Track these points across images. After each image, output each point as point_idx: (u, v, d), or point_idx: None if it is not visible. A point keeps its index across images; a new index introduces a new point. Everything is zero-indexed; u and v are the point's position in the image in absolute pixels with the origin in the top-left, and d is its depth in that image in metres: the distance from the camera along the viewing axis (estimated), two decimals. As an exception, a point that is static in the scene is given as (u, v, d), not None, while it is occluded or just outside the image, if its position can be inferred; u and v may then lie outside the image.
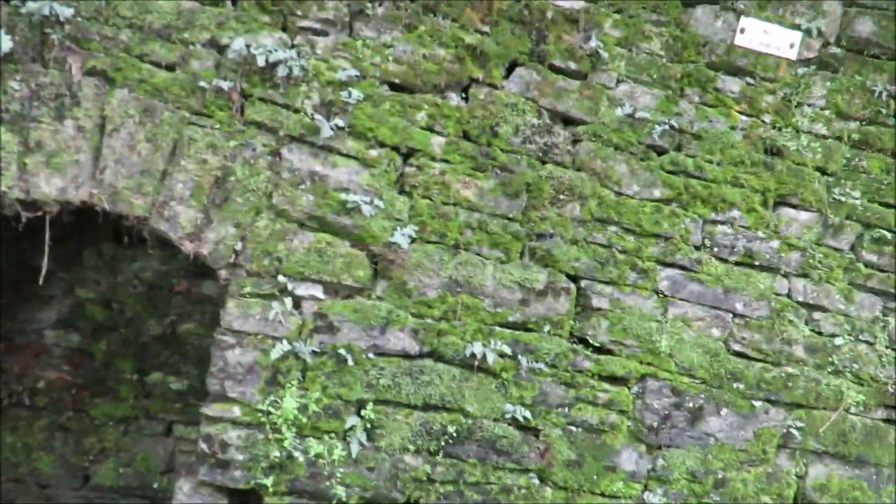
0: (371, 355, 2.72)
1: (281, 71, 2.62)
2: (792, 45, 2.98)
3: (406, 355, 2.76)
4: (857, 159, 3.06)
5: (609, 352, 2.94)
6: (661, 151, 2.98)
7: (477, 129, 2.81)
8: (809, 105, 3.03)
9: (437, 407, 2.79)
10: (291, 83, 2.66)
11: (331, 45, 2.72)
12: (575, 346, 2.91)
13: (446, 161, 2.79)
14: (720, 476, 3.01)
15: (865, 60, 3.05)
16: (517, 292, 2.84)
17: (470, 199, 2.80)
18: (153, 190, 2.56)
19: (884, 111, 3.05)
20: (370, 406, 2.72)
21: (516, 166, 2.84)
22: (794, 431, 3.05)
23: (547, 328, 2.88)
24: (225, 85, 2.56)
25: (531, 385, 2.85)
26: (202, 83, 2.55)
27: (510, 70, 2.86)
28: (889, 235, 3.08)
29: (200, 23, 2.56)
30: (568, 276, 2.91)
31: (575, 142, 2.93)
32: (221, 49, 2.59)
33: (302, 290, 2.69)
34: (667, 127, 2.94)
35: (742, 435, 3.03)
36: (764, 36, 2.97)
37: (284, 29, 2.69)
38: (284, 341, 2.64)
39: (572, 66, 2.88)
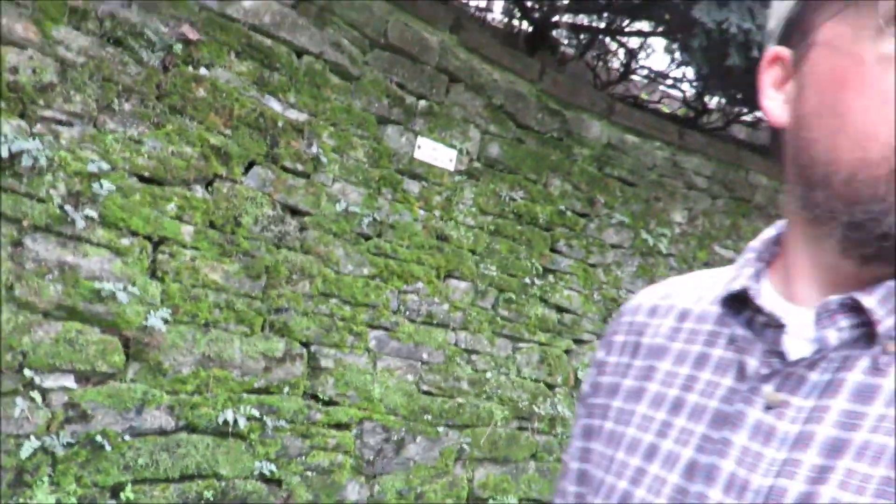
0: (128, 437, 2.80)
1: (25, 161, 2.60)
2: (451, 160, 4.07)
3: (163, 432, 2.91)
4: (493, 243, 4.28)
5: (335, 403, 3.53)
6: (367, 238, 3.73)
7: (222, 219, 3.16)
8: (463, 204, 4.15)
9: (193, 476, 2.99)
10: (36, 173, 2.66)
11: (77, 136, 2.79)
12: (309, 402, 3.43)
13: (195, 248, 3.07)
14: (419, 490, 3.82)
15: (495, 173, 4.32)
16: (261, 361, 3.24)
17: (218, 282, 3.12)
18: None
19: (507, 209, 4.35)
20: (129, 487, 2.79)
21: (257, 251, 3.27)
22: (465, 446, 4.06)
23: (287, 389, 3.33)
24: (-36, 174, 2.45)
25: (275, 441, 3.26)
26: (-64, 171, 2.40)
27: (248, 168, 3.29)
28: (514, 296, 4.36)
29: (-64, 109, 2.41)
30: (301, 343, 3.42)
31: (303, 230, 3.48)
32: (-40, 137, 2.46)
33: (51, 381, 2.65)
34: (371, 219, 3.71)
35: (432, 455, 3.91)
36: (433, 152, 3.99)
37: (23, 116, 2.67)
38: (33, 437, 2.56)
39: (299, 167, 3.45)
